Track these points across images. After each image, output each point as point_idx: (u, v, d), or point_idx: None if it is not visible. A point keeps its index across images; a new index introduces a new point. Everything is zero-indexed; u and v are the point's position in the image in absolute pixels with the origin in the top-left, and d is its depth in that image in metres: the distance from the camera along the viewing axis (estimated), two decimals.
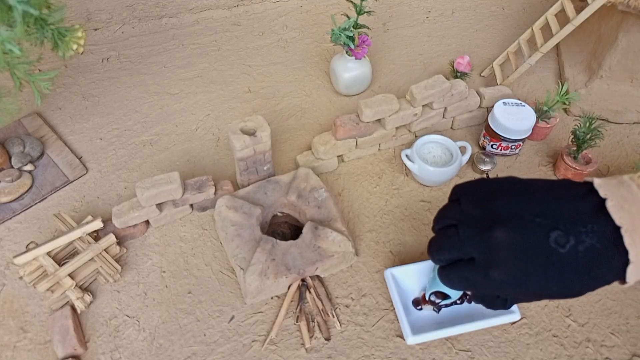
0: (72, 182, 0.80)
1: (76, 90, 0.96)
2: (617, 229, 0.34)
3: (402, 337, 0.63)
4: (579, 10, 0.79)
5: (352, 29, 0.85)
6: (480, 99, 0.85)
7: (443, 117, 0.86)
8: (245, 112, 0.93)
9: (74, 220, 0.72)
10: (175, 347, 0.63)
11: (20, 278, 0.69)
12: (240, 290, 0.68)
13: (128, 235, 0.72)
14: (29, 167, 0.80)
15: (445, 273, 0.41)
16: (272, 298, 0.67)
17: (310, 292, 0.66)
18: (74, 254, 0.68)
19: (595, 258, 0.34)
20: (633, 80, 0.88)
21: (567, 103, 0.83)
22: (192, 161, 0.85)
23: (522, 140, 0.80)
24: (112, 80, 0.98)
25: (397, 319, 0.64)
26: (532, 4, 1.18)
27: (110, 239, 0.68)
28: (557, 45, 1.02)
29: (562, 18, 0.84)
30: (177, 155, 0.85)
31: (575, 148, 0.78)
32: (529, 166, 0.84)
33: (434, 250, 0.42)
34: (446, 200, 0.44)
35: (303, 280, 0.67)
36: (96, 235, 0.70)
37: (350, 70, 0.91)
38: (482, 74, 1.00)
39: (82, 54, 1.02)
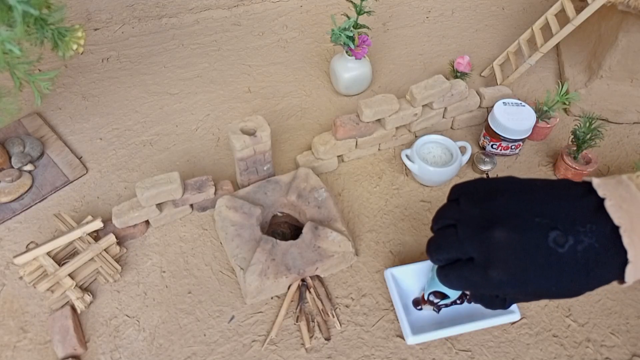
0: (72, 182, 0.80)
1: (76, 90, 0.96)
2: (616, 228, 0.34)
3: (402, 337, 0.63)
4: (579, 10, 0.79)
5: (352, 29, 0.85)
6: (480, 99, 0.85)
7: (443, 117, 0.86)
8: (245, 112, 0.93)
9: (74, 220, 0.72)
10: (175, 347, 0.63)
11: (20, 278, 0.69)
12: (240, 290, 0.68)
13: (128, 235, 0.72)
14: (29, 167, 0.80)
15: (444, 273, 0.41)
16: (272, 298, 0.67)
17: (310, 292, 0.66)
18: (74, 254, 0.68)
19: (594, 258, 0.34)
20: (633, 80, 0.88)
21: (567, 103, 0.83)
22: (192, 161, 0.85)
23: (522, 140, 0.80)
24: (112, 80, 0.98)
25: (397, 319, 0.64)
26: (532, 4, 1.18)
27: (110, 239, 0.68)
28: (557, 45, 1.02)
29: (562, 18, 0.84)
30: (177, 155, 0.85)
31: (575, 148, 0.78)
32: (529, 166, 0.84)
33: (432, 250, 0.42)
34: (446, 200, 0.44)
35: (303, 280, 0.67)
36: (96, 235, 0.70)
37: (350, 70, 0.91)
38: (482, 74, 1.00)
39: (82, 54, 1.02)
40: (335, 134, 0.78)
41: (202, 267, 0.71)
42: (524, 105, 0.80)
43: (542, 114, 0.83)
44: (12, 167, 0.79)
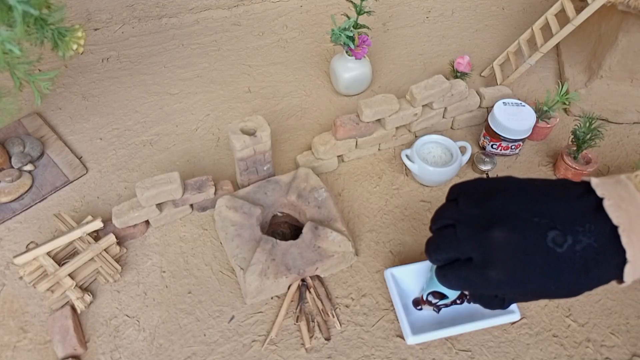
0: (72, 182, 0.80)
1: (76, 90, 0.96)
2: (615, 228, 0.34)
3: (402, 337, 0.63)
4: (579, 10, 0.79)
5: (352, 29, 0.85)
6: (480, 99, 0.85)
7: (443, 117, 0.86)
8: (245, 112, 0.93)
9: (74, 220, 0.72)
10: (175, 347, 0.63)
11: (20, 278, 0.69)
12: (240, 290, 0.68)
13: (128, 235, 0.72)
14: (29, 167, 0.80)
15: (443, 273, 0.41)
16: (272, 298, 0.67)
17: (310, 292, 0.66)
18: (74, 254, 0.68)
19: (593, 257, 0.34)
20: (633, 80, 0.88)
21: (567, 103, 0.83)
22: (192, 161, 0.85)
23: (522, 140, 0.80)
24: (112, 80, 0.98)
25: (397, 319, 0.64)
26: (532, 4, 1.18)
27: (110, 239, 0.68)
28: (557, 45, 1.02)
29: (562, 18, 0.84)
30: (177, 155, 0.85)
31: (575, 148, 0.78)
32: (529, 166, 0.84)
33: (431, 250, 0.42)
34: (444, 201, 0.44)
35: (303, 280, 0.67)
36: (96, 235, 0.70)
37: (350, 70, 0.91)
38: (482, 74, 1.00)
39: (82, 54, 1.02)
40: (335, 134, 0.78)
41: (202, 267, 0.71)
42: (524, 105, 0.80)
43: (542, 114, 0.83)
44: (12, 167, 0.79)
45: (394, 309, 0.66)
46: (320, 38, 1.09)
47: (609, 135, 0.87)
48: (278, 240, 0.67)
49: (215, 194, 0.74)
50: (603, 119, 0.89)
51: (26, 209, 0.77)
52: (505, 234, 0.36)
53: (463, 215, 0.40)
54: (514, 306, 0.63)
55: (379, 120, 0.81)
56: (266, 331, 0.64)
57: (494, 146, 0.82)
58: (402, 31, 1.11)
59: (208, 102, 0.94)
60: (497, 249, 0.36)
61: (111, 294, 0.68)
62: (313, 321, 0.65)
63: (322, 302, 0.66)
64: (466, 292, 0.62)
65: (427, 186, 0.80)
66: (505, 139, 0.79)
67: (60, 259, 0.68)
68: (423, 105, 0.81)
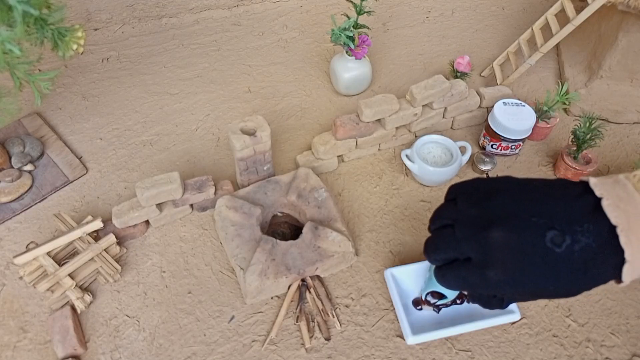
0: (72, 182, 0.81)
1: (76, 90, 0.96)
2: (613, 228, 0.34)
3: (402, 337, 0.63)
4: (579, 10, 0.79)
5: (352, 29, 0.85)
6: (480, 99, 0.85)
7: (443, 117, 0.86)
8: (245, 112, 0.93)
9: (74, 220, 0.72)
10: (175, 347, 0.63)
11: (20, 278, 0.69)
12: (240, 290, 0.68)
13: (128, 235, 0.72)
14: (29, 167, 0.80)
15: (442, 273, 0.41)
16: (272, 298, 0.67)
17: (310, 292, 0.66)
18: (74, 254, 0.68)
19: (591, 257, 0.34)
20: (633, 80, 0.88)
21: (567, 103, 0.83)
22: (192, 161, 0.85)
23: (522, 140, 0.80)
24: (112, 80, 0.98)
25: (397, 319, 0.64)
26: (532, 4, 1.18)
27: (110, 239, 0.68)
28: (557, 45, 1.02)
29: (562, 18, 0.84)
30: (177, 155, 0.85)
31: (575, 148, 0.78)
32: (529, 166, 0.84)
33: (430, 250, 0.42)
34: (443, 201, 0.44)
35: (303, 280, 0.67)
36: (96, 235, 0.70)
37: (350, 70, 0.91)
38: (482, 74, 1.00)
39: (82, 54, 1.02)
40: (335, 134, 0.78)
41: (202, 267, 0.71)
42: (524, 105, 0.80)
43: (542, 114, 0.83)
44: (12, 167, 0.79)
45: (394, 309, 0.66)
46: (320, 38, 1.09)
47: (609, 135, 0.87)
48: (278, 240, 0.67)
49: (215, 194, 0.74)
50: (603, 119, 0.89)
51: (26, 209, 0.77)
52: (503, 234, 0.36)
53: (462, 215, 0.40)
54: (513, 306, 0.63)
55: (379, 120, 0.81)
56: (266, 331, 0.64)
57: (494, 146, 0.82)
58: (402, 31, 1.11)
59: (208, 102, 0.94)
60: (495, 249, 0.36)
61: (111, 294, 0.68)
62: (313, 321, 0.65)
63: (322, 302, 0.66)
64: (465, 292, 0.62)
65: (427, 186, 0.80)
66: (505, 139, 0.79)
67: (60, 259, 0.68)
68: (423, 105, 0.81)
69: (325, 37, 1.09)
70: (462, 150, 0.80)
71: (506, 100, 0.81)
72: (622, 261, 0.34)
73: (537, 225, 0.35)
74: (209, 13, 1.14)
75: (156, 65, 1.01)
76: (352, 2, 0.86)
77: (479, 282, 0.38)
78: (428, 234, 0.44)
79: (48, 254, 0.66)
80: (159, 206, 0.72)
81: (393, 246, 0.73)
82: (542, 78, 0.99)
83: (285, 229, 0.75)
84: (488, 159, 0.80)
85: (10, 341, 0.64)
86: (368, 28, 0.89)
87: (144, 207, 0.69)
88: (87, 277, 0.67)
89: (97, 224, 0.69)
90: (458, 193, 0.42)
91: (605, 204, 0.34)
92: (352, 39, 0.85)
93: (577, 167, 0.77)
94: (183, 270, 0.70)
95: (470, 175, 0.82)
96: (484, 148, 0.85)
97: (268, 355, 0.62)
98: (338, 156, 0.82)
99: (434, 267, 0.43)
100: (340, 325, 0.65)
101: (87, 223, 0.69)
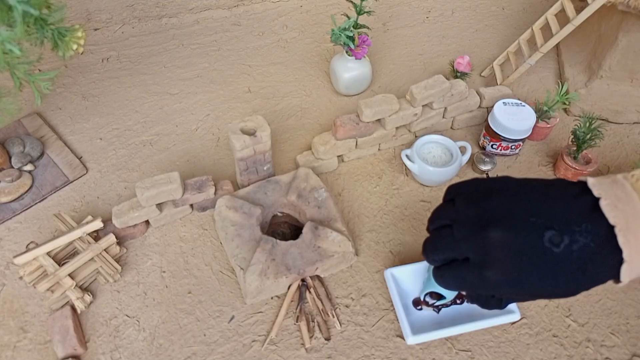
0: (72, 182, 0.81)
1: (76, 90, 0.96)
2: (611, 228, 0.34)
3: (402, 337, 0.63)
4: (579, 10, 0.79)
5: (352, 29, 0.85)
6: (480, 99, 0.85)
7: (443, 117, 0.86)
8: (245, 112, 0.93)
9: (74, 220, 0.72)
10: (175, 347, 0.63)
11: (20, 278, 0.69)
12: (240, 290, 0.68)
13: (128, 235, 0.72)
14: (29, 167, 0.80)
15: (440, 273, 0.41)
16: (272, 298, 0.67)
17: (310, 292, 0.66)
18: (74, 254, 0.68)
19: (590, 257, 0.34)
20: (633, 80, 0.88)
21: (567, 103, 0.83)
22: (192, 161, 0.85)
23: (522, 140, 0.80)
24: (112, 80, 0.98)
25: (397, 319, 0.64)
26: (532, 4, 1.18)
27: (110, 239, 0.68)
28: (557, 45, 1.02)
29: (562, 18, 0.84)
30: (177, 155, 0.85)
31: (575, 148, 0.78)
32: (529, 166, 0.84)
33: (428, 250, 0.42)
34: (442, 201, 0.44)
35: (303, 280, 0.67)
36: (96, 235, 0.70)
37: (350, 70, 0.91)
38: (482, 74, 1.00)
39: (82, 54, 1.03)
40: (335, 134, 0.78)
41: (202, 267, 0.71)
42: (524, 105, 0.80)
43: (542, 114, 0.83)
44: (12, 167, 0.79)
45: (394, 309, 0.66)
46: (320, 38, 1.09)
47: (609, 135, 0.87)
48: (278, 240, 0.67)
49: (215, 194, 0.74)
50: (603, 119, 0.89)
51: (26, 209, 0.77)
52: (502, 234, 0.36)
53: (460, 215, 0.40)
54: (513, 306, 0.63)
55: (379, 120, 0.81)
56: (266, 331, 0.64)
57: (494, 146, 0.82)
58: (402, 31, 1.11)
59: (208, 102, 0.94)
60: (494, 249, 0.36)
61: (111, 294, 0.68)
62: (313, 321, 0.65)
63: (322, 302, 0.66)
64: (463, 293, 0.62)
65: (427, 186, 0.80)
66: (505, 139, 0.79)
67: (60, 259, 0.68)
68: (423, 105, 0.81)
69: (325, 37, 1.09)
70: (462, 150, 0.80)
71: (506, 100, 0.81)
72: (621, 261, 0.34)
73: (535, 225, 0.35)
74: (209, 13, 1.14)
75: (156, 65, 1.01)
76: (352, 2, 0.86)
77: (477, 282, 0.38)
78: (427, 234, 0.44)
79: (48, 254, 0.66)
80: (159, 206, 0.72)
81: (393, 246, 0.73)
82: (542, 78, 0.99)
83: (285, 229, 0.75)
84: (488, 159, 0.80)
85: (10, 341, 0.64)
86: (368, 28, 0.89)
87: (144, 207, 0.69)
88: (87, 277, 0.67)
89: (97, 224, 0.69)
90: (456, 193, 0.42)
91: (603, 204, 0.34)
92: (352, 39, 0.85)
93: (577, 167, 0.77)
94: (183, 270, 0.70)
95: (471, 175, 0.82)
96: (484, 148, 0.85)
97: (268, 355, 0.62)
98: (338, 156, 0.82)
99: (432, 267, 0.43)
100: (340, 325, 0.65)
101: (87, 223, 0.69)
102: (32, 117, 0.89)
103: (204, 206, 0.76)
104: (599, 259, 0.34)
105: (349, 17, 0.86)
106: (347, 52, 0.89)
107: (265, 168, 0.76)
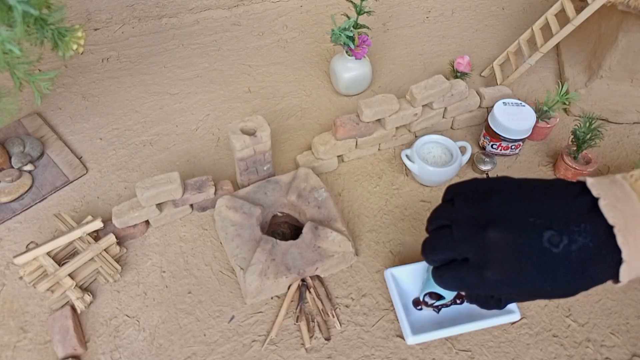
0: (72, 182, 0.81)
1: (76, 90, 0.96)
2: (610, 228, 0.34)
3: (402, 337, 0.63)
4: (579, 10, 0.79)
5: (352, 29, 0.85)
6: (480, 99, 0.85)
7: (443, 117, 0.86)
8: (245, 112, 0.93)
9: (74, 220, 0.72)
10: (175, 347, 0.63)
11: (20, 278, 0.69)
12: (240, 290, 0.68)
13: (128, 235, 0.72)
14: (29, 167, 0.80)
15: (439, 274, 0.41)
16: (272, 298, 0.67)
17: (310, 292, 0.66)
18: (74, 254, 0.68)
19: (589, 257, 0.34)
20: (633, 80, 0.88)
21: (567, 103, 0.83)
22: (192, 161, 0.85)
23: (522, 140, 0.80)
24: (112, 80, 0.98)
25: (397, 319, 0.64)
26: (532, 4, 1.18)
27: (110, 239, 0.68)
28: (557, 45, 1.02)
29: (562, 18, 0.84)
30: (177, 155, 0.85)
31: (575, 148, 0.78)
32: (529, 166, 0.84)
33: (428, 250, 0.42)
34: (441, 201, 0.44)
35: (303, 280, 0.67)
36: (96, 235, 0.70)
37: (350, 70, 0.91)
38: (482, 74, 1.00)
39: (82, 54, 1.03)
40: (335, 134, 0.78)
41: (202, 267, 0.71)
42: (524, 105, 0.80)
43: (542, 114, 0.83)
44: (12, 167, 0.79)
45: (394, 309, 0.66)
46: (320, 38, 1.09)
47: (609, 135, 0.87)
48: (278, 240, 0.67)
49: (215, 194, 0.74)
50: (603, 119, 0.89)
51: (26, 209, 0.77)
52: (501, 234, 0.36)
53: (459, 215, 0.40)
54: (513, 306, 0.63)
55: (379, 120, 0.81)
56: (266, 331, 0.64)
57: (494, 146, 0.82)
58: (402, 31, 1.11)
59: (208, 102, 0.94)
60: (493, 250, 0.36)
61: (111, 294, 0.68)
62: (313, 321, 0.65)
63: (322, 302, 0.66)
64: (463, 293, 0.62)
65: (427, 186, 0.80)
66: (505, 139, 0.79)
67: (60, 259, 0.68)
68: (423, 105, 0.81)
69: (325, 37, 1.09)
70: (462, 150, 0.80)
71: (506, 100, 0.81)
72: (620, 261, 0.34)
73: (534, 226, 0.35)
74: (209, 13, 1.14)
75: (156, 65, 1.01)
76: (352, 2, 0.86)
77: (476, 282, 0.38)
78: (427, 235, 0.44)
79: (48, 254, 0.66)
80: (159, 206, 0.72)
81: (393, 246, 0.73)
82: (542, 78, 0.99)
83: (285, 229, 0.75)
84: (488, 159, 0.80)
85: (10, 341, 0.64)
86: (368, 28, 0.89)
87: (144, 207, 0.69)
88: (87, 277, 0.67)
89: (97, 224, 0.69)
90: (455, 194, 0.42)
91: (602, 204, 0.34)
92: (352, 39, 0.85)
93: (577, 167, 0.77)
94: (183, 270, 0.70)
95: (471, 175, 0.82)
96: (484, 148, 0.85)
97: (268, 355, 0.62)
98: (338, 156, 0.82)
99: (431, 268, 0.43)
100: (340, 325, 0.65)
101: (87, 223, 0.69)
102: (32, 117, 0.89)
103: (204, 206, 0.76)
104: (598, 259, 0.34)
105: (349, 17, 0.86)
106: (347, 52, 0.89)
107: (265, 168, 0.76)
